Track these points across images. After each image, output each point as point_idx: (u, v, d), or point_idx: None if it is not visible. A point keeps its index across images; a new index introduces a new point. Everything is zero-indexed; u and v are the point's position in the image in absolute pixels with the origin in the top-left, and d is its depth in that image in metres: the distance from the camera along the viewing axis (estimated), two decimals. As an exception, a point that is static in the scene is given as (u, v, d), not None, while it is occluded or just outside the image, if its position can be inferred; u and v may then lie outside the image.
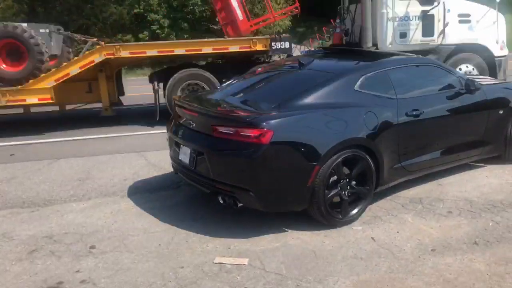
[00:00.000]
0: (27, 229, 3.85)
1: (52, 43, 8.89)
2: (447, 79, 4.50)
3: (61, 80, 7.81)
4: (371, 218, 3.81)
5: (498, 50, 8.05)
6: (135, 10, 21.84)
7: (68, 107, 9.25)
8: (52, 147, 6.83)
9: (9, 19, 21.03)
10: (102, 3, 21.35)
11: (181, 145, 3.96)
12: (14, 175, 5.41)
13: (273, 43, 8.13)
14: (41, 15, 21.03)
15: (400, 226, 3.63)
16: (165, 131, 4.46)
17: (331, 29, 10.33)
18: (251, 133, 3.32)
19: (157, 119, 8.01)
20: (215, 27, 23.14)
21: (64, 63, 8.16)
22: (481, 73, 7.90)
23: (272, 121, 3.36)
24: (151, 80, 8.51)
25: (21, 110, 8.90)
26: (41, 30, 8.51)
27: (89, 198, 4.57)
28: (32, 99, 7.88)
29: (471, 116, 4.56)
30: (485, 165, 5.00)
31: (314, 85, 3.80)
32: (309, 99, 3.66)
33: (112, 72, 8.76)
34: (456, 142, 4.48)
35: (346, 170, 3.67)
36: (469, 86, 4.44)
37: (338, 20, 8.93)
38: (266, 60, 9.15)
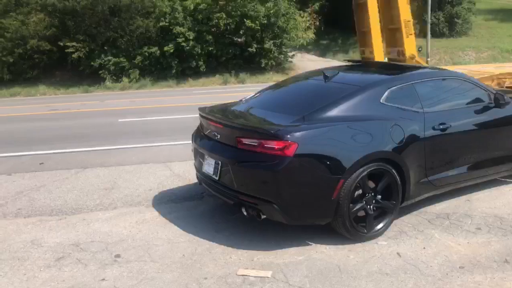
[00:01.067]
0: (55, 237, 3.94)
1: None
2: (476, 93, 4.42)
3: None
4: (396, 233, 3.75)
5: None
6: (161, 23, 22.27)
7: None
8: (79, 157, 6.98)
9: (41, 33, 21.78)
10: (129, 16, 21.85)
11: (206, 156, 3.99)
12: (43, 183, 5.55)
13: None
14: (70, 28, 21.68)
15: (426, 242, 3.56)
16: (190, 142, 4.51)
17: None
18: (275, 145, 3.33)
19: None
20: (239, 40, 23.42)
21: None
22: None
23: (297, 133, 3.36)
24: None
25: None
26: None
27: (115, 207, 4.64)
28: None
29: (500, 130, 4.46)
30: (515, 181, 4.87)
31: (339, 97, 3.79)
32: (334, 112, 3.66)
33: None
34: (485, 157, 4.38)
35: (371, 184, 3.63)
36: (498, 100, 4.35)
37: None
38: None
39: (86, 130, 9.56)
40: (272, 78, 21.75)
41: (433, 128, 3.92)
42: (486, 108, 4.36)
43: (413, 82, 4.09)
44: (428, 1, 25.13)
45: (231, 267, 3.28)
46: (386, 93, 3.87)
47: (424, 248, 3.46)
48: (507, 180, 4.88)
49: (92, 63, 21.54)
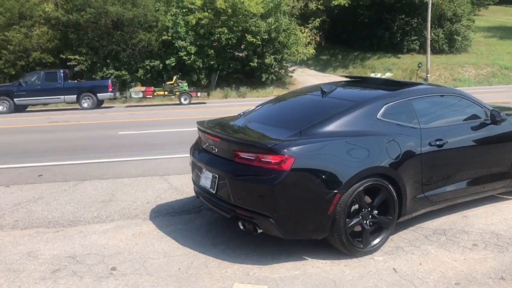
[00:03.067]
0: (51, 249, 3.93)
1: None
2: (472, 110, 4.45)
3: None
4: (393, 248, 3.74)
5: None
6: (163, 37, 22.48)
7: None
8: (78, 169, 7.00)
9: (44, 45, 21.99)
10: (132, 30, 22.07)
11: (203, 170, 4.01)
12: (41, 195, 5.56)
13: None
14: (73, 41, 21.88)
15: (423, 258, 3.55)
16: (188, 155, 4.53)
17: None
18: (272, 159, 3.35)
19: None
20: (240, 54, 23.62)
21: None
22: None
23: (294, 148, 3.38)
24: None
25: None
26: None
27: (112, 220, 4.65)
28: None
29: (496, 147, 4.49)
30: (513, 197, 4.87)
31: (336, 113, 3.82)
32: (331, 127, 3.69)
33: None
34: (481, 174, 4.40)
35: (368, 199, 3.64)
36: (495, 117, 4.38)
37: None
38: None
39: (86, 142, 9.60)
40: (272, 93, 21.88)
41: (430, 144, 3.94)
42: (482, 125, 4.39)
43: (409, 98, 4.12)
44: (428, 18, 25.39)
45: (226, 281, 3.27)
46: (383, 109, 3.90)
47: (420, 264, 3.46)
48: (504, 196, 4.89)
49: (94, 76, 21.68)
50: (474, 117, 4.42)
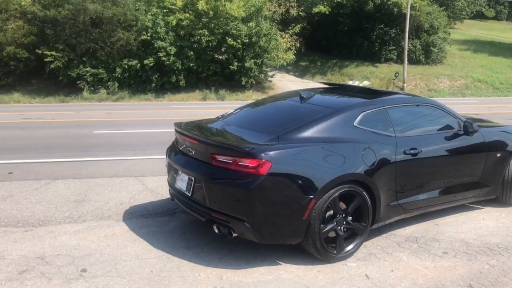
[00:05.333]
0: (19, 249, 3.82)
1: None
2: (446, 120, 4.55)
3: None
4: (366, 255, 3.78)
5: None
6: (143, 37, 22.23)
7: None
8: (50, 167, 6.83)
9: (19, 40, 21.44)
10: (111, 28, 21.74)
11: (179, 172, 3.97)
12: (10, 194, 5.41)
13: None
14: (50, 36, 21.40)
15: (394, 265, 3.60)
16: (164, 156, 4.48)
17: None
18: (249, 163, 3.34)
19: None
20: (220, 57, 23.56)
21: None
22: None
23: (271, 153, 3.39)
24: None
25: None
26: None
27: (84, 220, 4.55)
28: None
29: (468, 157, 4.60)
30: (482, 207, 5.00)
31: (314, 119, 3.85)
32: (309, 133, 3.71)
33: None
34: (453, 183, 4.50)
35: (342, 205, 3.67)
36: (467, 128, 4.49)
37: None
38: None
39: (60, 140, 9.38)
40: (251, 96, 21.89)
41: (404, 153, 4.01)
42: (455, 135, 4.49)
43: (386, 107, 4.19)
44: (406, 29, 25.91)
45: (199, 285, 3.24)
46: (360, 117, 3.95)
47: (392, 270, 3.51)
48: (474, 206, 5.01)
49: (70, 73, 21.27)
50: (448, 127, 4.52)
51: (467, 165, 4.61)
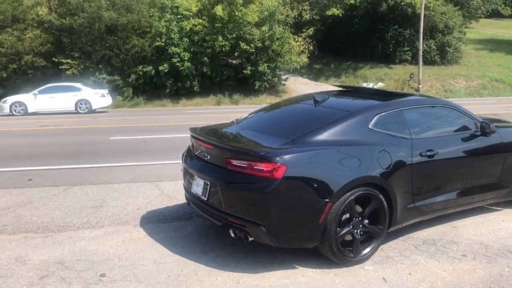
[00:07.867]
0: (39, 254, 3.89)
1: None
2: (462, 121, 4.50)
3: None
4: (383, 258, 3.76)
5: None
6: (157, 43, 22.48)
7: None
8: (69, 174, 6.95)
9: (37, 49, 21.88)
10: (126, 35, 22.04)
11: (195, 177, 4.00)
12: (30, 200, 5.51)
13: None
14: (66, 45, 21.80)
15: (412, 268, 3.57)
16: (180, 161, 4.52)
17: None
18: (264, 167, 3.35)
19: None
20: (234, 62, 23.69)
21: None
22: None
23: (286, 156, 3.39)
24: None
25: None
26: None
27: (102, 226, 4.61)
28: None
29: (486, 158, 4.53)
30: (501, 208, 4.92)
31: (329, 122, 3.85)
32: (324, 136, 3.70)
33: None
34: (471, 185, 4.44)
35: (359, 208, 3.66)
36: (484, 129, 4.43)
37: None
38: None
39: (77, 147, 9.54)
40: (265, 100, 21.95)
41: (420, 155, 3.98)
42: (472, 136, 4.44)
43: (401, 108, 4.16)
44: (420, 29, 25.68)
45: (216, 289, 3.26)
46: (374, 119, 3.93)
47: (410, 273, 3.47)
48: (493, 207, 4.93)
49: (86, 81, 21.61)
50: (464, 128, 4.46)
51: (485, 167, 4.54)
